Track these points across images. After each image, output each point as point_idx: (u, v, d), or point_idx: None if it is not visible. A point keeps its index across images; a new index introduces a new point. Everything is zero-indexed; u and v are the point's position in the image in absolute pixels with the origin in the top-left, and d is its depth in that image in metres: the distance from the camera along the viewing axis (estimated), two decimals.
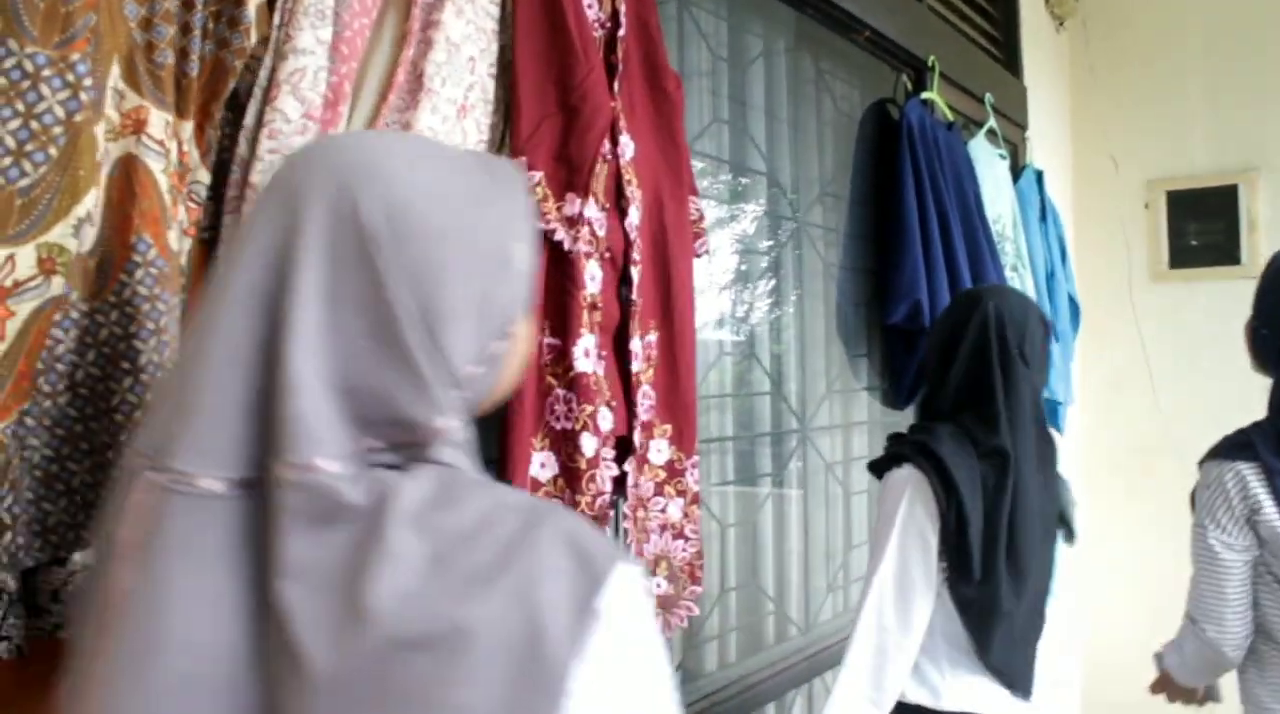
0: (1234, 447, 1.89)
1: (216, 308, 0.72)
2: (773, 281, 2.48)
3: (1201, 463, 1.95)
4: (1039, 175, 3.50)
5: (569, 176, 1.48)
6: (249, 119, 1.21)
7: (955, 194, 2.73)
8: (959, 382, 1.83)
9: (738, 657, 2.32)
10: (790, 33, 2.53)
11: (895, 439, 1.87)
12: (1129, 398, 4.06)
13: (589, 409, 1.48)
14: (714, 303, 2.25)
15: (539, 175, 1.45)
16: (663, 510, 1.68)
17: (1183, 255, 4.05)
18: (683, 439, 1.70)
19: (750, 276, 2.41)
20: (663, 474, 1.68)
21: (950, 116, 2.93)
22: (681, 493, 1.70)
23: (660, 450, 1.68)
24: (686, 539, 1.70)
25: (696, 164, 2.09)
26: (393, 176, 0.73)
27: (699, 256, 1.78)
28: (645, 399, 1.63)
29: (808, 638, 2.51)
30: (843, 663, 1.75)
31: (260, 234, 0.72)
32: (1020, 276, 3.11)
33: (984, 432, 1.77)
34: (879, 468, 1.86)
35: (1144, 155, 4.14)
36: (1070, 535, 1.94)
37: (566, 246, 1.48)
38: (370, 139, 0.80)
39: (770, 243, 2.47)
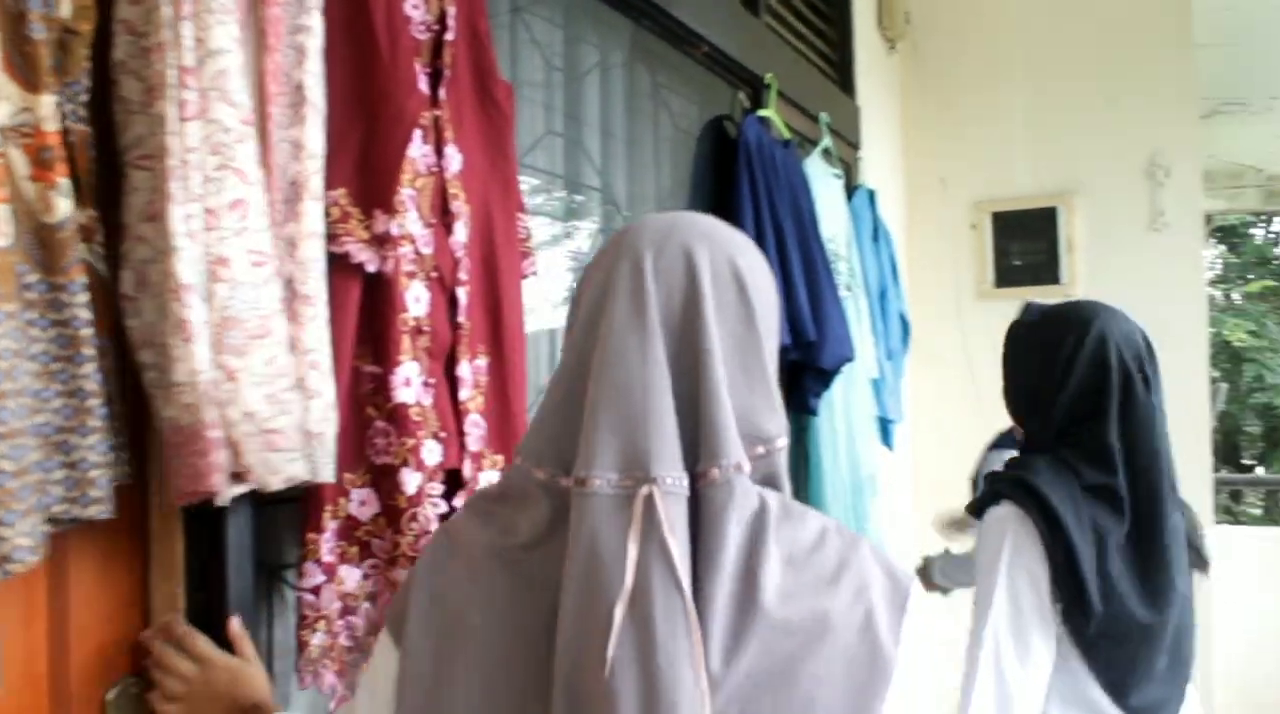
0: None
1: (620, 338, 0.89)
2: None
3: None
4: (871, 195, 3.54)
5: (374, 191, 1.36)
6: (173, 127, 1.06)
7: (792, 213, 2.71)
8: (1067, 413, 1.69)
9: None
10: (627, 45, 2.46)
11: (990, 478, 1.74)
12: (956, 414, 4.14)
13: (410, 442, 1.37)
14: (547, 323, 2.16)
15: (338, 193, 1.32)
16: None
17: (1008, 274, 4.19)
18: None
19: None
20: None
21: (787, 135, 2.92)
22: None
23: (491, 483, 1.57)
24: None
25: (530, 179, 2.00)
26: (738, 245, 0.97)
27: (527, 277, 1.68)
28: (475, 428, 1.51)
29: None
30: None
31: (645, 281, 0.91)
32: (854, 296, 3.12)
33: (1090, 466, 1.64)
34: (977, 508, 1.73)
35: (971, 177, 4.26)
36: (1205, 564, 1.79)
37: (372, 268, 1.35)
38: (699, 217, 0.99)
39: None
